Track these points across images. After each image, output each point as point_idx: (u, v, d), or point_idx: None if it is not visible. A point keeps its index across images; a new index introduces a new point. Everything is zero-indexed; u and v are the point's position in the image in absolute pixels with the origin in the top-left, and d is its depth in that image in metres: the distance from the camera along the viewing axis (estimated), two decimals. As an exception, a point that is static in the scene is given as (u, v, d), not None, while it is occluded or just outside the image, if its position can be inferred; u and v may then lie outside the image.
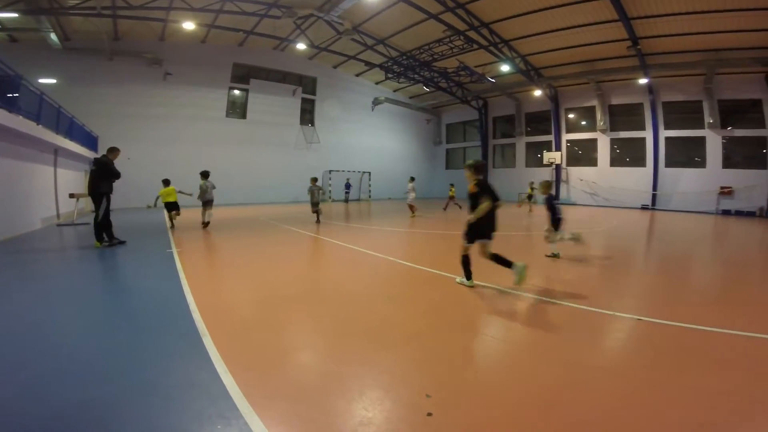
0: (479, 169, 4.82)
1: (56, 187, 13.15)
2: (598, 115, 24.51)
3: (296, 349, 3.21)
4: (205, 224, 11.36)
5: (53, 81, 17.16)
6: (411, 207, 15.65)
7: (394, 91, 30.77)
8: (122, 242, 7.72)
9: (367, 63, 23.58)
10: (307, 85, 26.12)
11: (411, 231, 11.19)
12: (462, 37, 19.24)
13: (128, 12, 15.82)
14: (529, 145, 29.09)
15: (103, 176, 7.33)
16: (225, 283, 5.32)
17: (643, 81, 20.97)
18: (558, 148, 26.67)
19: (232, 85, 23.23)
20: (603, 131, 24.60)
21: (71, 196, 12.46)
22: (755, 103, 19.46)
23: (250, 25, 19.43)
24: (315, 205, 12.38)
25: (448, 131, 35.18)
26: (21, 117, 9.23)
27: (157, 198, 11.44)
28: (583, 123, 26.19)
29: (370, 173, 28.77)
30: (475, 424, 2.11)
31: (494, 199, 4.53)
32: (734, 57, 17.82)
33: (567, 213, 17.93)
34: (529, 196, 20.22)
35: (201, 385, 2.44)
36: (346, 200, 25.34)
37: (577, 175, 26.08)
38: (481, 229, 4.61)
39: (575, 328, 3.62)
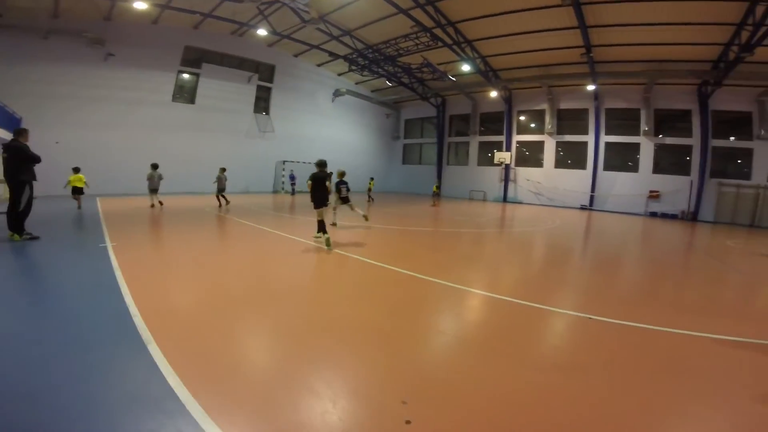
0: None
1: None
2: (547, 119, 26.02)
3: (255, 354, 2.97)
4: (152, 206, 12.98)
5: None
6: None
7: (356, 83, 30.40)
8: (35, 237, 6.68)
9: (331, 54, 23.02)
10: (264, 72, 24.87)
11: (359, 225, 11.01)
12: (428, 34, 19.42)
13: None
14: (482, 144, 30.28)
15: (19, 162, 6.45)
16: (168, 283, 4.78)
17: (590, 87, 22.66)
18: (508, 149, 28.01)
19: (182, 69, 21.47)
20: (550, 134, 26.25)
21: None
22: (685, 114, 21.85)
23: (208, 7, 18.12)
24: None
25: (407, 126, 35.57)
26: None
27: (67, 183, 12.45)
28: (533, 125, 27.75)
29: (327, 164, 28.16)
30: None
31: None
32: (673, 69, 19.84)
33: (514, 211, 19.40)
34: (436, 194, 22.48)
35: (151, 399, 2.18)
36: (293, 192, 24.67)
37: (525, 175, 27.61)
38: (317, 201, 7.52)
39: (529, 324, 3.91)
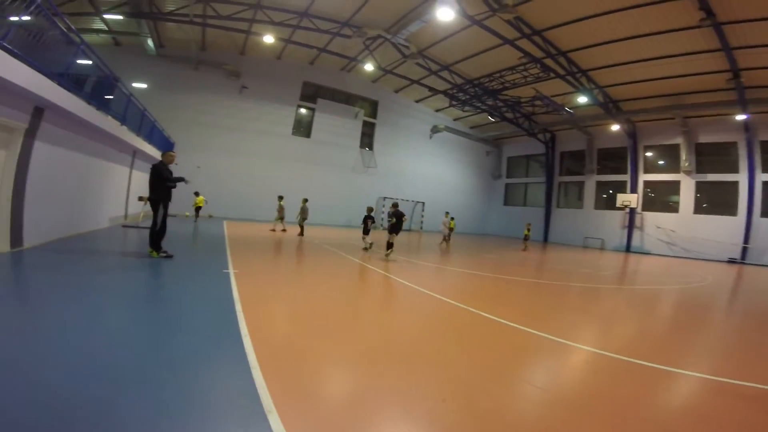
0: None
1: (129, 188, 14.01)
2: (683, 155, 23.38)
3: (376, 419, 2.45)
4: (273, 230, 15.80)
5: (144, 86, 19.39)
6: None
7: (455, 119, 31.40)
8: (169, 256, 7.22)
9: (430, 89, 24.37)
10: (368, 107, 27.41)
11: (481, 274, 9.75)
12: (539, 65, 19.43)
13: (216, 21, 17.81)
14: (599, 184, 28.12)
15: (155, 182, 7.16)
16: (285, 320, 4.46)
17: (740, 117, 19.85)
18: (634, 190, 25.53)
19: (301, 104, 24.93)
20: (687, 172, 23.33)
21: (140, 199, 12.81)
22: None
23: (322, 42, 20.98)
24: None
25: (509, 165, 34.96)
26: (109, 117, 9.95)
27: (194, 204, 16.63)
28: (664, 162, 25.06)
29: (423, 203, 28.98)
30: None
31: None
32: None
33: (645, 264, 17.14)
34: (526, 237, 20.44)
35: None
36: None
37: (654, 221, 24.63)
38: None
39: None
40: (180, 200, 16.60)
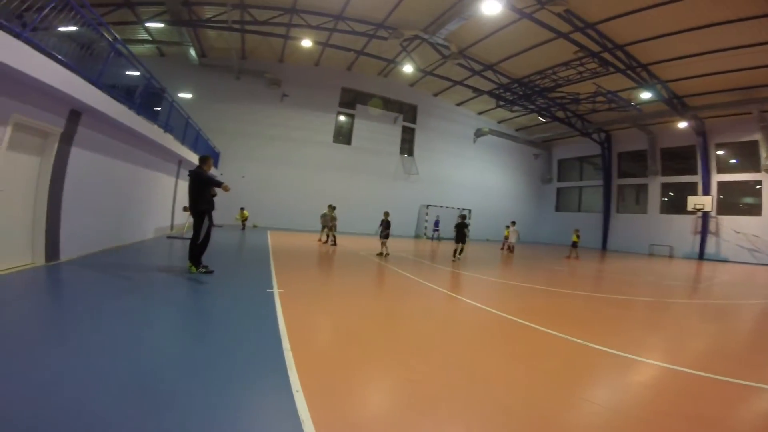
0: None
1: (175, 198, 14.53)
2: (763, 152, 21.89)
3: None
4: (319, 240, 16.23)
5: (189, 95, 20.62)
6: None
7: (499, 122, 30.93)
8: (209, 271, 6.84)
9: (475, 90, 24.12)
10: (407, 112, 27.58)
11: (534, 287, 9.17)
12: (596, 60, 18.84)
13: (254, 27, 18.69)
14: (665, 186, 26.71)
15: (199, 190, 6.75)
16: (337, 352, 3.84)
17: None
18: (706, 192, 24.02)
19: (340, 110, 25.62)
20: None
21: (185, 209, 12.62)
22: None
23: (359, 46, 21.38)
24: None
25: (561, 168, 33.95)
26: (153, 125, 10.22)
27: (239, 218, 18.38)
28: (740, 161, 23.47)
29: (470, 210, 28.40)
30: None
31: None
32: None
33: (728, 274, 16.08)
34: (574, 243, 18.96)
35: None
36: (433, 238, 25.21)
37: (732, 225, 23.09)
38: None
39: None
40: (227, 209, 17.63)
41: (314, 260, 11.27)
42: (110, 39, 7.35)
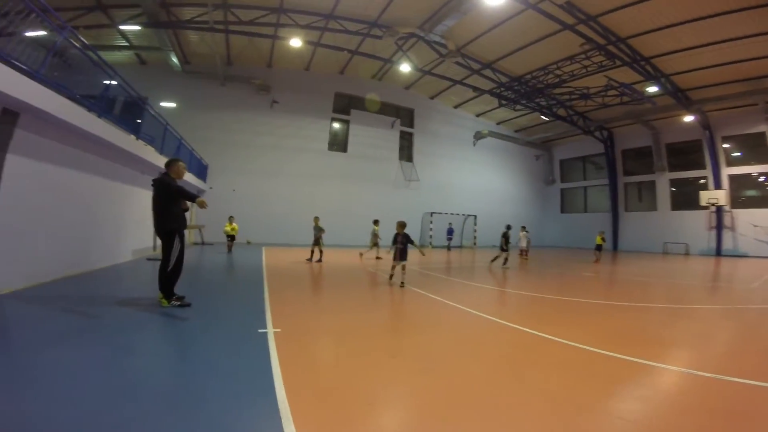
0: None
1: None
2: None
3: None
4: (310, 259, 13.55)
5: (173, 105, 19.77)
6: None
7: (498, 123, 30.73)
8: (185, 304, 5.58)
9: (475, 89, 23.83)
10: (404, 117, 27.10)
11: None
12: (602, 52, 18.59)
13: (238, 27, 17.92)
14: (674, 182, 26.70)
15: (164, 204, 5.49)
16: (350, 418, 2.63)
17: None
18: (718, 186, 24.00)
19: (335, 116, 24.88)
20: None
21: None
22: None
23: (352, 46, 20.78)
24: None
25: (563, 168, 33.86)
26: (127, 134, 9.26)
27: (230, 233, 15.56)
28: (749, 154, 23.53)
29: (475, 216, 27.88)
30: None
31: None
32: None
33: (737, 267, 15.89)
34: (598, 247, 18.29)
35: None
36: (448, 248, 24.48)
37: (748, 219, 22.98)
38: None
39: None
40: (219, 225, 16.65)
41: (316, 283, 9.63)
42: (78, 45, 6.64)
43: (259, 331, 4.62)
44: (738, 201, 23.84)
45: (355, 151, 25.20)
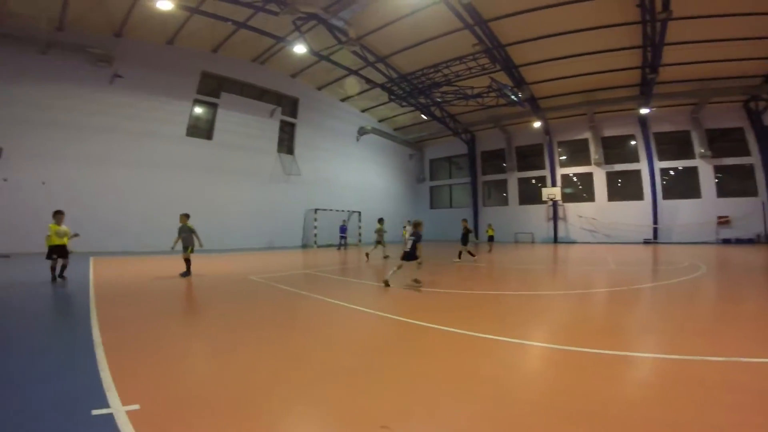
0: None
1: None
2: (592, 148, 27.35)
3: None
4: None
5: None
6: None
7: (380, 120, 30.94)
8: None
9: (368, 81, 23.43)
10: (286, 106, 24.77)
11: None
12: (487, 55, 19.98)
13: None
14: (521, 181, 30.97)
15: None
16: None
17: (644, 111, 23.81)
18: (554, 183, 28.77)
19: (198, 98, 20.93)
20: (598, 164, 27.32)
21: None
22: (737, 131, 23.68)
23: (241, 18, 18.02)
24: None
25: (432, 167, 36.16)
26: None
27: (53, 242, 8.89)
28: (577, 156, 28.88)
29: (360, 213, 27.34)
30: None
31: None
32: (722, 86, 21.48)
33: (570, 252, 19.01)
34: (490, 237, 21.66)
35: None
36: (343, 246, 23.12)
37: (576, 211, 28.20)
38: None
39: None
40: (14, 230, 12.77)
41: (190, 310, 6.68)
42: None
43: (93, 412, 2.51)
44: (568, 196, 29.18)
45: (224, 139, 21.80)
